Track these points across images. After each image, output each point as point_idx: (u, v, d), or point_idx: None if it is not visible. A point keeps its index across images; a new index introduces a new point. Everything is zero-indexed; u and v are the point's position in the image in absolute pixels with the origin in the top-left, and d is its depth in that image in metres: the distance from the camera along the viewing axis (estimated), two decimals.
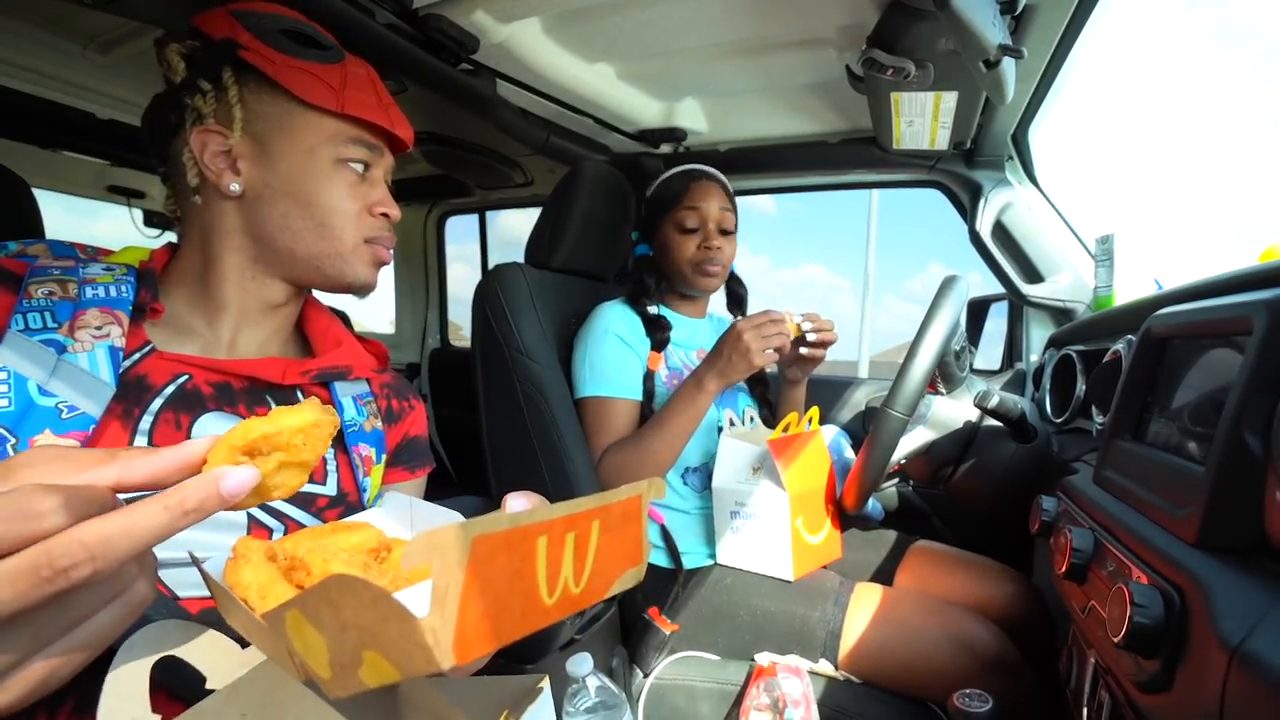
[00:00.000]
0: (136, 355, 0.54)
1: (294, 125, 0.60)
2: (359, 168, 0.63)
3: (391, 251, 0.68)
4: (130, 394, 0.52)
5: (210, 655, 0.30)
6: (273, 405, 0.60)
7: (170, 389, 0.54)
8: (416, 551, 0.23)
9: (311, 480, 0.60)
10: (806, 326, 1.07)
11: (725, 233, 1.18)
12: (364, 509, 0.66)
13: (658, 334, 1.15)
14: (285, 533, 0.57)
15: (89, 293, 0.53)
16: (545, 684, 0.40)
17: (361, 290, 0.67)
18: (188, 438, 0.54)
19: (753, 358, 0.98)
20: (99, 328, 0.52)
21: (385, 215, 0.65)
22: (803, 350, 1.10)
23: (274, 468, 0.32)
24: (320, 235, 0.61)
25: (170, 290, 0.60)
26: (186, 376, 0.56)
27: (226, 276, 0.61)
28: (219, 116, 0.59)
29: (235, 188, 0.59)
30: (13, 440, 0.47)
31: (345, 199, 0.62)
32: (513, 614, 0.26)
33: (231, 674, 0.30)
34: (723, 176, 1.22)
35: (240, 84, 0.59)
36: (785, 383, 1.22)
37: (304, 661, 0.28)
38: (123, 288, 0.55)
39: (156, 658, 0.29)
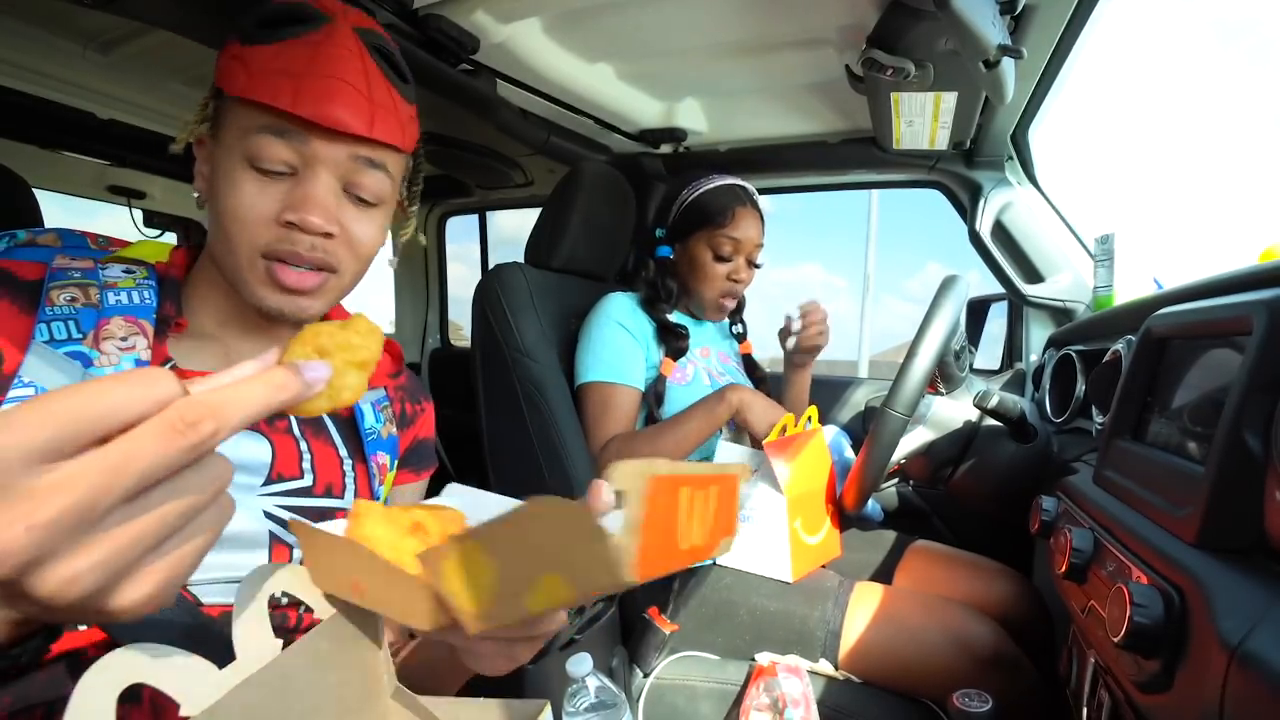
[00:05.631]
0: None
1: (224, 121, 0.55)
2: (276, 167, 0.53)
3: (316, 276, 0.55)
4: None
5: (183, 680, 0.30)
6: (291, 420, 0.59)
7: None
8: (619, 478, 0.28)
9: (330, 494, 0.59)
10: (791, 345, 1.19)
11: (752, 264, 1.19)
12: None
13: (675, 342, 1.15)
14: None
15: (111, 299, 0.52)
16: (547, 711, 0.40)
17: (278, 319, 0.57)
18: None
19: (760, 417, 1.06)
20: (124, 339, 0.50)
21: (292, 224, 0.53)
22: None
23: (340, 366, 0.34)
24: (224, 246, 0.54)
25: (191, 300, 0.59)
26: None
27: (218, 286, 0.59)
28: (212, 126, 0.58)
29: (196, 193, 0.58)
30: None
31: (244, 203, 0.53)
32: (664, 550, 0.30)
33: (206, 698, 0.30)
34: (759, 201, 1.21)
35: (213, 89, 0.57)
36: (789, 367, 1.26)
37: (451, 600, 0.30)
38: (145, 293, 0.54)
39: (124, 684, 0.28)
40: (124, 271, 0.55)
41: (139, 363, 0.50)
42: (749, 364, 1.33)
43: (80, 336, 0.49)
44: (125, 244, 0.61)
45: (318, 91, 0.52)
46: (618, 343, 1.11)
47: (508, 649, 0.40)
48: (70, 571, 0.23)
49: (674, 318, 1.19)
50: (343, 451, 0.62)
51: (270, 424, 0.58)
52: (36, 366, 0.47)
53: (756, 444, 1.06)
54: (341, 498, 0.61)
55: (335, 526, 0.38)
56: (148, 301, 0.53)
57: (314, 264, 0.55)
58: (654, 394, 1.12)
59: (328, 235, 0.55)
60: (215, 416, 0.26)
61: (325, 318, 0.67)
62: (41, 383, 0.47)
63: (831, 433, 1.22)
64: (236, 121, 0.54)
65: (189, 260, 0.61)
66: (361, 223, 0.57)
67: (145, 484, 0.24)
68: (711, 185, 1.18)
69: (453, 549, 0.30)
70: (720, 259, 1.15)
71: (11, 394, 0.46)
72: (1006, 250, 1.35)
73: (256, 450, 0.56)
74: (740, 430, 1.17)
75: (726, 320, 1.35)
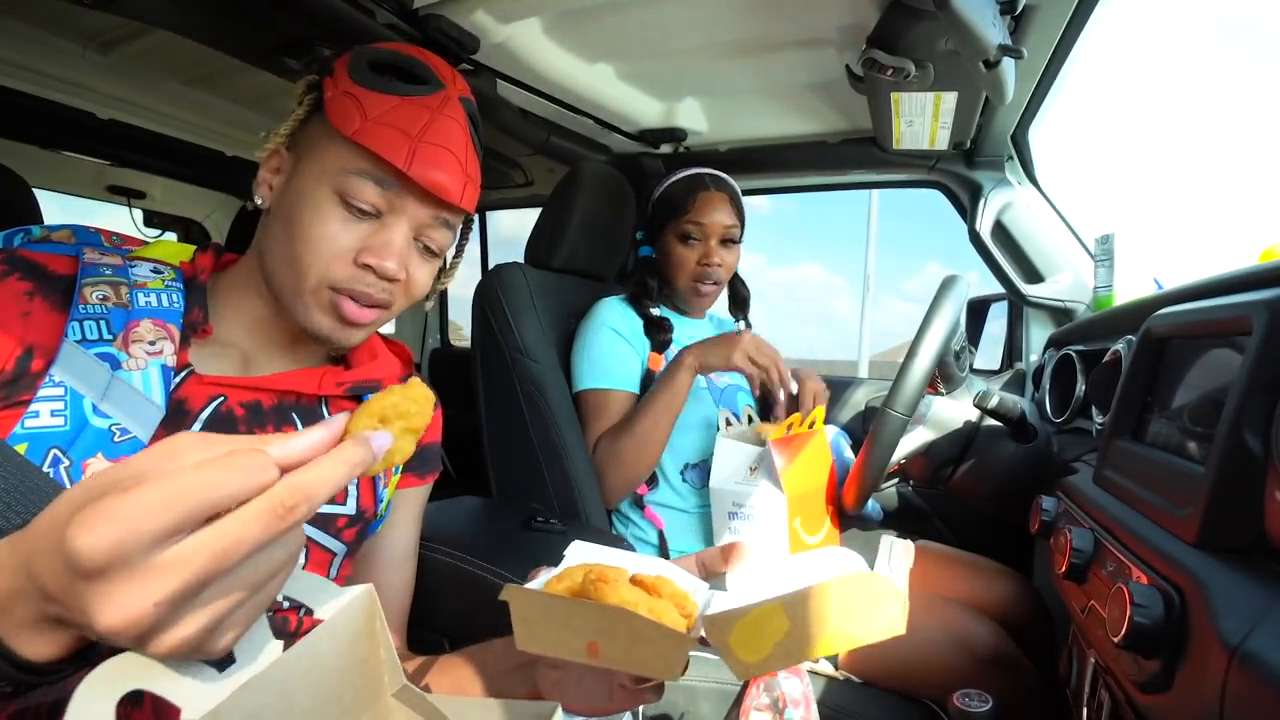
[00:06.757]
0: (178, 379, 0.52)
1: (320, 147, 0.56)
2: (365, 207, 0.55)
3: (374, 313, 0.58)
4: (172, 419, 0.51)
5: (184, 684, 0.29)
6: (298, 423, 0.59)
7: (206, 413, 0.53)
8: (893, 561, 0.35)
9: (333, 501, 0.59)
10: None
11: (729, 242, 1.18)
12: (379, 520, 0.66)
13: (659, 335, 1.15)
14: (308, 556, 0.57)
15: (140, 300, 0.52)
16: (558, 713, 0.40)
17: (322, 342, 0.59)
18: None
19: (734, 352, 1.01)
20: (152, 343, 0.50)
21: (368, 266, 0.55)
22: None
23: (397, 432, 0.36)
24: (288, 265, 0.55)
25: (219, 306, 0.58)
26: (221, 398, 0.54)
27: (255, 295, 0.59)
28: (291, 138, 0.58)
29: (259, 199, 0.58)
30: (66, 462, 0.45)
31: (326, 234, 0.54)
32: None
33: (207, 702, 0.30)
34: (732, 183, 1.21)
35: (310, 107, 0.58)
36: None
37: (733, 651, 0.35)
38: (173, 296, 0.54)
39: (123, 691, 0.28)
40: (152, 271, 0.55)
41: (164, 368, 0.50)
42: None
43: (110, 338, 0.49)
44: (140, 242, 0.61)
45: (429, 158, 0.56)
46: (610, 348, 1.11)
47: (631, 699, 0.46)
48: (180, 636, 0.27)
49: (661, 313, 1.19)
50: None
51: (277, 427, 0.57)
52: (67, 366, 0.47)
53: (756, 442, 1.06)
54: (344, 504, 0.60)
55: (537, 585, 0.41)
56: (175, 305, 0.53)
57: (375, 303, 0.58)
58: (645, 390, 1.12)
59: (394, 280, 0.57)
60: (309, 500, 0.29)
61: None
62: (71, 383, 0.47)
63: (831, 433, 1.22)
64: (337, 154, 0.55)
65: (215, 263, 0.61)
66: (421, 269, 0.61)
67: (249, 558, 0.28)
68: (676, 178, 1.21)
69: (752, 611, 0.34)
70: (687, 244, 1.16)
71: (41, 393, 0.46)
72: (1006, 250, 1.35)
73: None
74: (729, 426, 1.17)
75: (731, 319, 1.35)
